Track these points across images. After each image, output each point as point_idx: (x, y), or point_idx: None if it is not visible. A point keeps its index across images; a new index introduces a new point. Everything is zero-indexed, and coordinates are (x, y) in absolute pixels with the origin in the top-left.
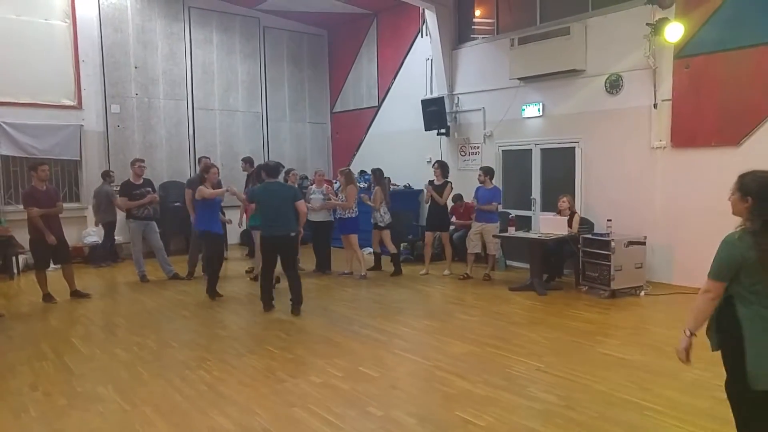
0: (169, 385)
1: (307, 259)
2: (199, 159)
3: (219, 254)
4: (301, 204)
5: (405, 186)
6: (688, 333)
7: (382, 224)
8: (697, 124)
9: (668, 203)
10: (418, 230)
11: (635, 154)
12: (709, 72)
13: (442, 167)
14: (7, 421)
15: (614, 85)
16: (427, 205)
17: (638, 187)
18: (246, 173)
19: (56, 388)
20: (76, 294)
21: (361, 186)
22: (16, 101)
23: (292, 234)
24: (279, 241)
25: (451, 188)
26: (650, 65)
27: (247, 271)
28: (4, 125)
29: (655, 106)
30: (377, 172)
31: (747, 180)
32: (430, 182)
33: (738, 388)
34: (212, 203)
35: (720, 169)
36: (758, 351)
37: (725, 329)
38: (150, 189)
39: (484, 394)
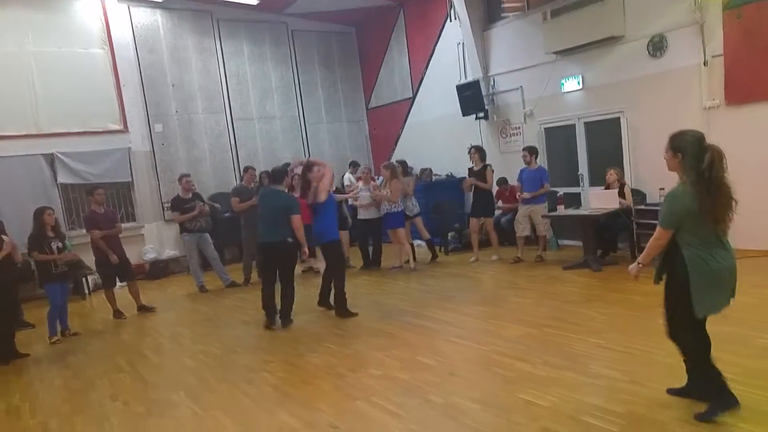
0: (236, 389)
1: (355, 257)
2: (245, 168)
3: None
4: (295, 219)
5: (447, 175)
6: (638, 262)
7: (411, 214)
8: (753, 78)
9: (727, 164)
10: (464, 218)
11: (686, 117)
12: (763, 21)
13: (479, 151)
14: (92, 430)
15: (657, 47)
16: (470, 193)
17: None
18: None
19: (133, 397)
20: (142, 308)
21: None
22: (67, 131)
23: (289, 240)
24: (272, 248)
25: (492, 170)
26: (696, 20)
27: (303, 271)
28: (59, 155)
29: (705, 63)
30: (391, 167)
31: (676, 138)
32: (470, 170)
33: (683, 312)
34: (332, 208)
35: None
36: (698, 286)
37: (674, 269)
38: (200, 202)
39: (545, 374)
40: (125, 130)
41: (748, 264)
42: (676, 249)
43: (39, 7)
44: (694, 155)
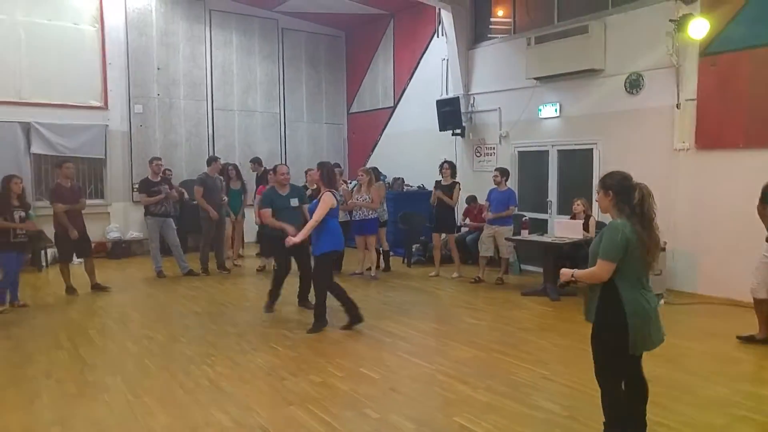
0: (173, 379)
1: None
2: (211, 158)
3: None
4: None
5: (419, 186)
6: (574, 274)
7: (381, 221)
8: (723, 125)
9: (692, 208)
10: (430, 231)
11: (656, 157)
12: (737, 70)
13: (452, 167)
14: (22, 405)
15: (634, 85)
16: (434, 206)
17: (659, 191)
18: (256, 174)
19: (68, 376)
20: (96, 287)
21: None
22: (47, 102)
23: None
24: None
25: (460, 188)
26: (673, 63)
27: (258, 269)
28: (36, 125)
29: (678, 106)
30: (371, 172)
31: (607, 179)
32: (437, 182)
33: (616, 348)
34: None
35: (748, 171)
36: (635, 327)
37: (609, 306)
38: (167, 186)
39: (485, 400)
40: (105, 107)
41: (707, 310)
42: (612, 290)
43: None
44: (625, 192)
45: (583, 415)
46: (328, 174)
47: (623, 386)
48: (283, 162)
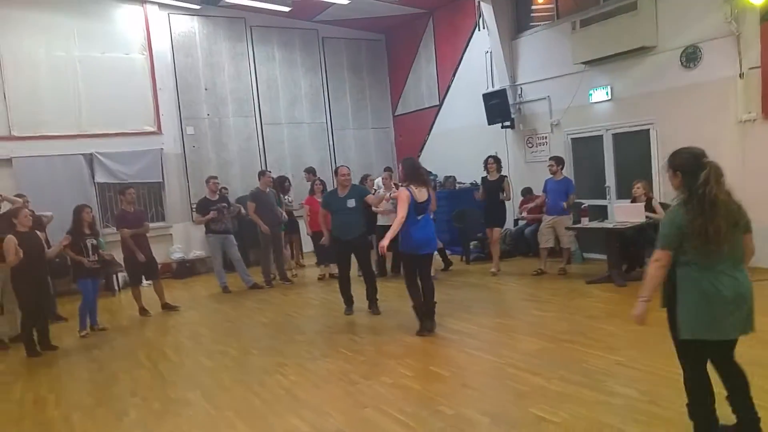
0: (249, 390)
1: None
2: (261, 172)
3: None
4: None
5: (471, 183)
6: (643, 299)
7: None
8: None
9: (763, 180)
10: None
11: (720, 131)
12: None
13: (497, 162)
14: (111, 423)
15: (691, 58)
16: (482, 203)
17: (725, 165)
18: (311, 183)
19: (152, 394)
20: (166, 307)
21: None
22: (106, 132)
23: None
24: (351, 242)
25: (510, 181)
26: (732, 31)
27: (319, 278)
28: (98, 155)
29: (741, 75)
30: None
31: (675, 157)
32: (483, 179)
33: (680, 332)
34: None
35: None
36: (685, 305)
37: (673, 290)
38: (225, 204)
39: (559, 390)
40: (159, 131)
41: None
42: (674, 275)
43: (85, 14)
44: (692, 173)
45: (663, 398)
46: (412, 168)
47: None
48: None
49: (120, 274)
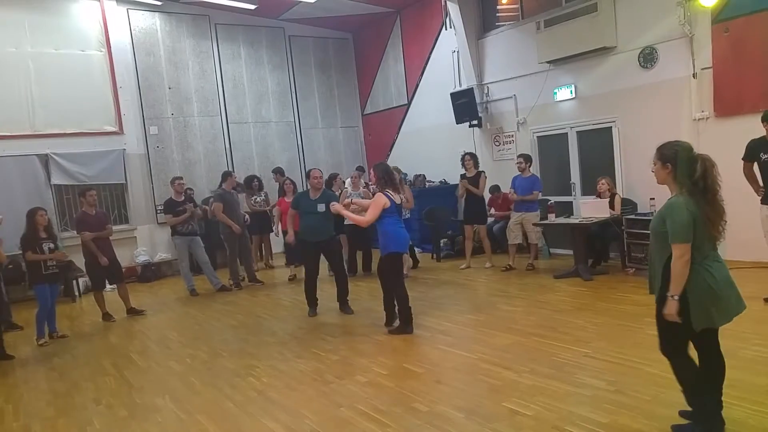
0: (221, 393)
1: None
2: (227, 173)
3: None
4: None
5: (441, 181)
6: (676, 298)
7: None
8: (741, 91)
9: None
10: (457, 225)
11: (676, 128)
12: (751, 34)
13: (473, 158)
14: None
15: (648, 59)
16: (462, 199)
17: None
18: (279, 184)
19: (118, 401)
20: (131, 311)
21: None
22: (63, 132)
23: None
24: (321, 243)
25: (485, 177)
26: (686, 33)
27: (290, 279)
28: (54, 156)
29: (694, 75)
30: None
31: (665, 149)
32: (462, 176)
33: (682, 329)
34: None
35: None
36: (696, 301)
37: (659, 281)
38: (191, 205)
39: (530, 383)
40: (120, 131)
41: (738, 275)
42: (666, 263)
43: (38, 8)
44: (686, 165)
45: (630, 388)
46: (385, 173)
47: (697, 363)
48: (302, 169)
49: (81, 279)
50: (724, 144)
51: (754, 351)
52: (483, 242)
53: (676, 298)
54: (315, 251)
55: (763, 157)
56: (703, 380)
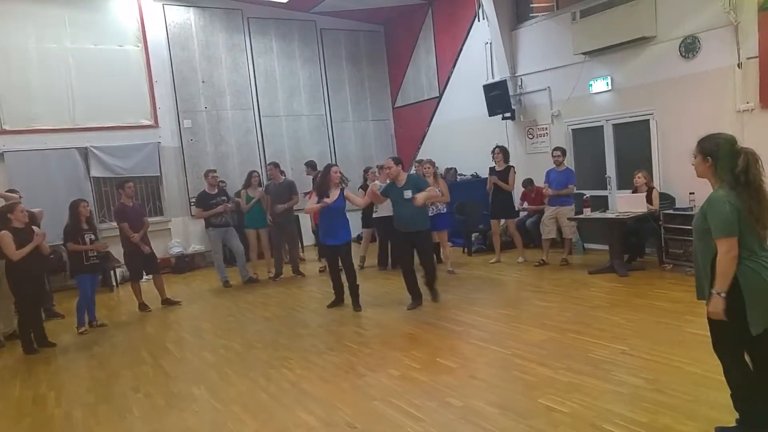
0: (255, 385)
1: (371, 255)
2: (250, 172)
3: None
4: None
5: (472, 175)
6: (723, 295)
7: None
8: None
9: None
10: (488, 219)
11: (718, 120)
12: None
13: (503, 151)
14: (114, 421)
15: (690, 49)
16: (490, 193)
17: None
18: (312, 178)
19: (155, 390)
20: (167, 302)
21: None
22: (101, 125)
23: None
24: (413, 234)
25: (515, 172)
26: (731, 21)
27: (320, 270)
28: (93, 149)
29: (739, 65)
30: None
31: (706, 142)
32: (491, 169)
33: (736, 331)
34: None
35: None
36: (753, 301)
37: (706, 282)
38: (225, 198)
39: (566, 380)
40: (155, 125)
41: None
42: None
43: (77, 5)
44: (727, 159)
45: (669, 386)
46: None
47: (751, 367)
48: (335, 162)
49: (118, 270)
50: None
51: None
52: (514, 237)
53: (723, 295)
54: (406, 242)
55: None
56: (755, 386)
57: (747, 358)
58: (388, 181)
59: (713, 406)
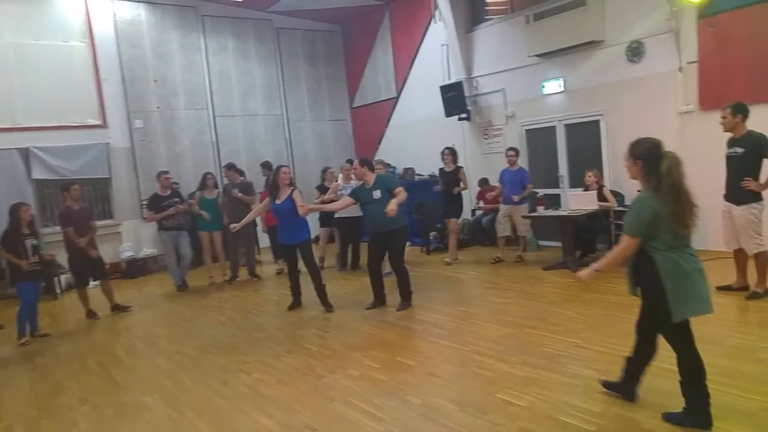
0: (211, 390)
1: (330, 255)
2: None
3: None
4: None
5: (430, 175)
6: (595, 268)
7: None
8: (725, 84)
9: (700, 168)
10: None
11: (662, 122)
12: (735, 29)
13: (453, 153)
14: None
15: (636, 53)
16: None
17: None
18: (266, 179)
19: (104, 401)
20: (116, 308)
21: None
22: (44, 125)
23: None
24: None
25: (465, 172)
26: (672, 28)
27: (277, 272)
28: (35, 150)
29: (680, 69)
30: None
31: (635, 147)
32: (441, 170)
33: (662, 318)
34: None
35: (753, 127)
36: (673, 290)
37: (646, 276)
38: (178, 200)
39: (523, 374)
40: (104, 125)
41: (719, 264)
42: (645, 256)
43: None
44: (653, 162)
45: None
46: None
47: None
48: (290, 163)
49: (63, 276)
50: (708, 137)
51: (738, 339)
52: (450, 236)
53: (596, 270)
54: (378, 243)
55: (727, 151)
56: (695, 372)
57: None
58: (352, 183)
59: (661, 393)
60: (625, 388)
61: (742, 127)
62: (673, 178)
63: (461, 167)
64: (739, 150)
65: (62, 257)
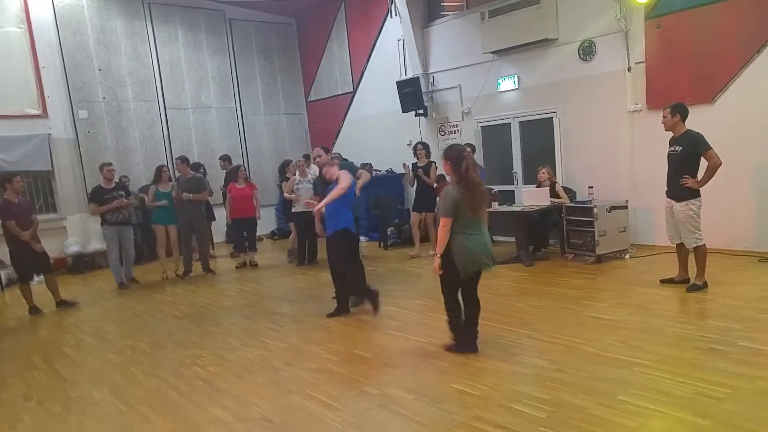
0: (164, 383)
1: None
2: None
3: None
4: None
5: (387, 170)
6: (437, 254)
7: None
8: (671, 84)
9: (648, 166)
10: (404, 213)
11: (612, 120)
12: (680, 30)
13: (426, 147)
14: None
15: (587, 52)
16: (413, 188)
17: (617, 153)
18: (225, 171)
19: (50, 396)
20: (62, 304)
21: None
22: None
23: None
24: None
25: (436, 167)
26: (622, 28)
27: (236, 267)
28: None
29: (629, 69)
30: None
31: (446, 151)
32: (414, 164)
33: (453, 277)
34: None
35: (696, 127)
36: (459, 258)
37: (449, 247)
38: (122, 193)
39: (477, 365)
40: (44, 115)
41: (665, 259)
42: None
43: None
44: (457, 162)
45: (569, 366)
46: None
47: (463, 305)
48: (244, 157)
49: (3, 272)
50: (655, 135)
51: (679, 328)
52: (429, 230)
53: (436, 254)
54: (344, 240)
55: (668, 150)
56: (463, 316)
57: (460, 297)
58: (309, 177)
59: (607, 381)
60: (470, 343)
61: (681, 126)
62: (469, 174)
63: (433, 162)
64: (678, 148)
65: (3, 252)
